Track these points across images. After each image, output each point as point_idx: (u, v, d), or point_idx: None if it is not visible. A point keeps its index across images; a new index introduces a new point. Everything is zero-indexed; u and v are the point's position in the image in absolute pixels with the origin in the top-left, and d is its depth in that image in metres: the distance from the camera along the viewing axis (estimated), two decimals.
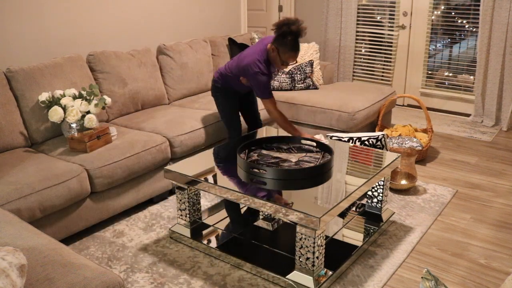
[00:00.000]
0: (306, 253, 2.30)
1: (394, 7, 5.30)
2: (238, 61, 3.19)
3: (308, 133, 3.97)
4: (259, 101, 3.68)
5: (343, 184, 2.49)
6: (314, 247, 2.26)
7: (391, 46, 5.44)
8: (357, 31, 5.60)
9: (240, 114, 3.53)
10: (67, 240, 2.85)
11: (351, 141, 3.26)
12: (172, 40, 4.51)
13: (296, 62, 3.24)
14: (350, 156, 2.87)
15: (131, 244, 2.82)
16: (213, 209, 3.09)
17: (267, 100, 3.11)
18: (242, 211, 3.08)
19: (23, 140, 3.08)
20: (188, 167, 2.73)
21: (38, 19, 3.47)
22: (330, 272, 2.41)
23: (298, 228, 2.28)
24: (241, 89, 3.37)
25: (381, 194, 2.91)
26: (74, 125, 3.05)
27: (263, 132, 3.29)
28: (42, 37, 3.51)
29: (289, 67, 4.47)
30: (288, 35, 2.90)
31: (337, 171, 2.64)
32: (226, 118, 3.42)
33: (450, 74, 5.18)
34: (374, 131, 4.37)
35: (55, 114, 2.99)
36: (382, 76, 5.61)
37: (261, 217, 2.96)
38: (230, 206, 3.13)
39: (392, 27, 5.38)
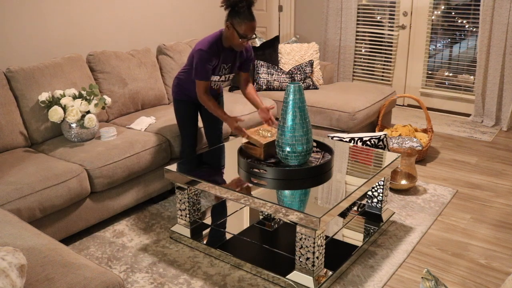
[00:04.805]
0: (306, 253, 2.30)
1: (394, 7, 5.30)
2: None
3: None
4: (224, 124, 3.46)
5: (343, 184, 2.49)
6: (314, 247, 2.26)
7: (391, 46, 5.43)
8: (357, 31, 5.59)
9: (203, 128, 3.36)
10: (67, 240, 2.85)
11: (352, 141, 3.25)
12: (172, 40, 4.51)
13: (255, 36, 2.85)
14: (350, 156, 2.86)
15: (131, 244, 2.82)
16: (213, 209, 3.09)
17: (198, 82, 2.91)
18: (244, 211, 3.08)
19: (23, 140, 3.08)
20: (188, 167, 2.73)
21: (38, 19, 3.47)
22: (330, 272, 2.41)
23: (298, 228, 2.28)
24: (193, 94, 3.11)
25: (381, 194, 2.91)
26: (74, 125, 3.05)
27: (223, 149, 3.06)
28: (42, 37, 3.51)
29: (288, 68, 4.47)
30: (239, 3, 2.74)
31: (337, 171, 2.64)
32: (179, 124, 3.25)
33: (450, 74, 5.18)
34: (374, 131, 4.37)
35: (55, 114, 2.99)
36: (382, 76, 5.61)
37: (261, 217, 2.96)
38: None
39: (392, 27, 5.38)
